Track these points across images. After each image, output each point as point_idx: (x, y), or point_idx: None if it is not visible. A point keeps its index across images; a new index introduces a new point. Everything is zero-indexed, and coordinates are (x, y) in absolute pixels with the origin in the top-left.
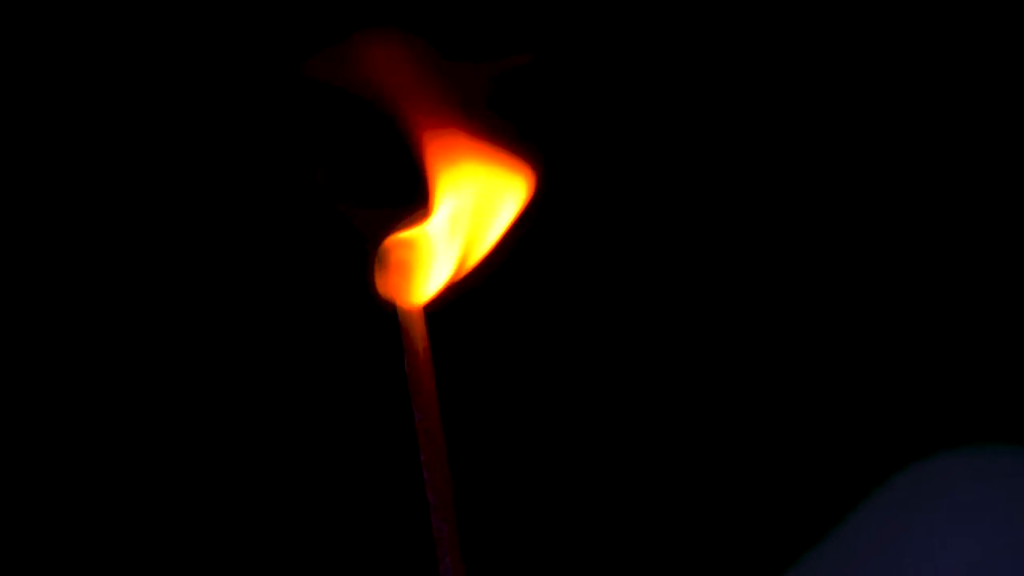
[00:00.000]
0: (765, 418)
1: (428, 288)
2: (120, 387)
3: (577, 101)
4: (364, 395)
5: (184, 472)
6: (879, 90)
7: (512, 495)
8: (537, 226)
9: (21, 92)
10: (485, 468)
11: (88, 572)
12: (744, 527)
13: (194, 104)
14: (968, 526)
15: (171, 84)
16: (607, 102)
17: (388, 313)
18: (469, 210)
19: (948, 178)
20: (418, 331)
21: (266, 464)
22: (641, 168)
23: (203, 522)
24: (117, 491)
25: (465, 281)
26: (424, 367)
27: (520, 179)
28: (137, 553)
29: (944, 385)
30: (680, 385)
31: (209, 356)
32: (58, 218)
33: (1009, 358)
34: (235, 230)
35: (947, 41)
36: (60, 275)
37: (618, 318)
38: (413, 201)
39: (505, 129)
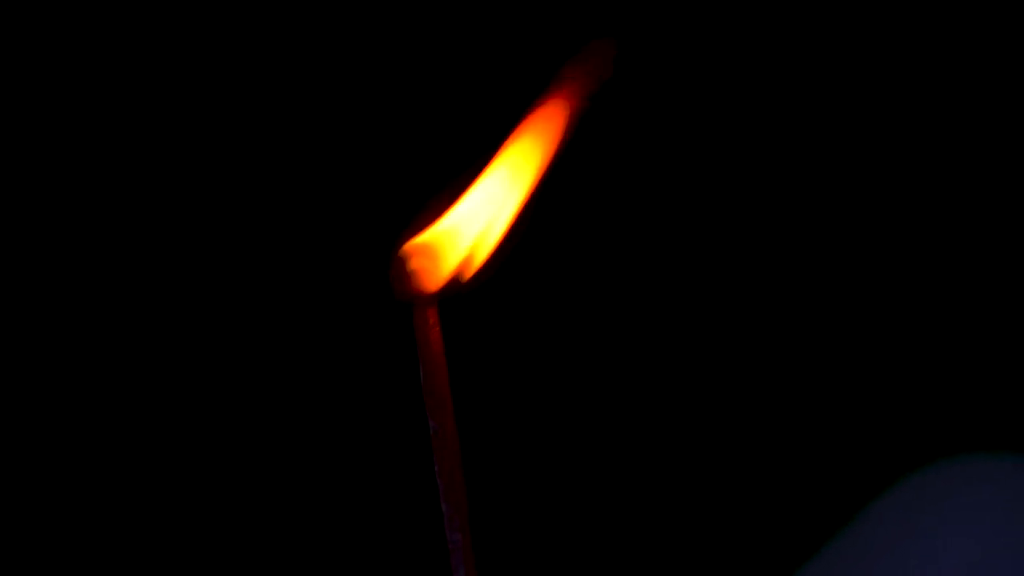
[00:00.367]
0: (771, 422)
1: (444, 288)
2: (126, 388)
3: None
4: (378, 402)
5: (193, 477)
6: (879, 90)
7: (528, 504)
8: (551, 227)
9: (21, 92)
10: (500, 476)
11: (90, 572)
12: (749, 531)
13: (197, 103)
14: (969, 527)
15: (171, 84)
16: (610, 100)
17: (402, 317)
18: (485, 204)
19: (948, 183)
20: (433, 335)
21: (277, 472)
22: (648, 167)
23: (212, 528)
24: (121, 491)
25: (478, 280)
26: (439, 372)
27: (534, 165)
28: (142, 553)
29: (948, 391)
30: (686, 391)
31: (219, 358)
32: (60, 218)
33: (1012, 365)
34: (247, 230)
35: (947, 41)
36: (61, 274)
37: (635, 324)
38: (427, 201)
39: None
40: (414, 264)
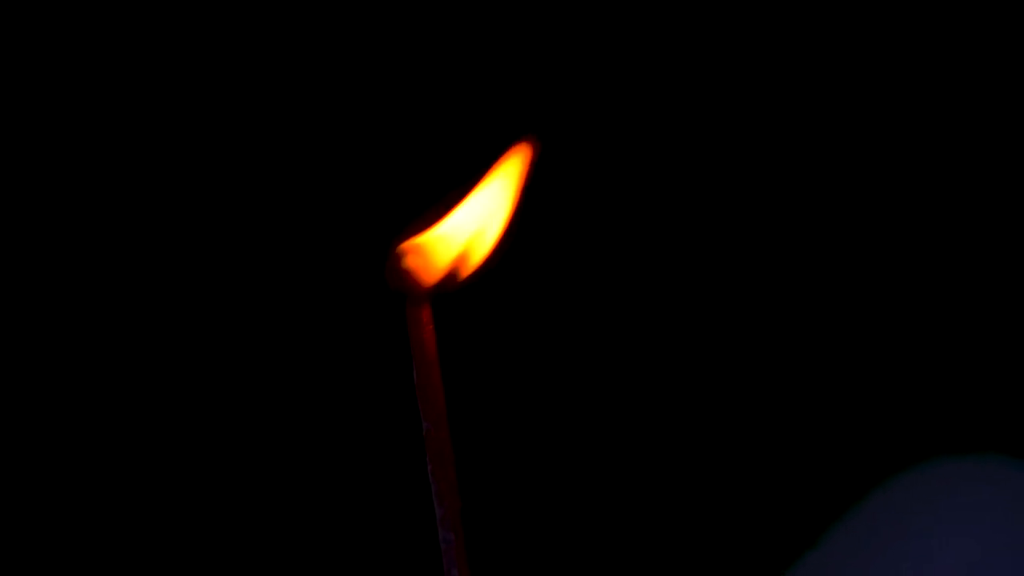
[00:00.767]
0: (764, 420)
1: (437, 286)
2: (122, 389)
3: (578, 97)
4: (371, 401)
5: (187, 477)
6: (879, 90)
7: (521, 503)
8: (544, 228)
9: (21, 92)
10: (494, 476)
11: (89, 572)
12: (742, 529)
13: (195, 104)
14: (968, 526)
15: (171, 84)
16: (608, 97)
17: (396, 316)
18: (481, 208)
19: (946, 182)
20: (427, 335)
21: (270, 472)
22: (644, 165)
23: (206, 526)
24: (119, 491)
25: (471, 281)
26: (432, 371)
27: (518, 170)
28: (139, 553)
29: (940, 390)
30: (680, 390)
31: (211, 357)
32: (56, 215)
33: (1006, 366)
34: (242, 231)
35: (947, 41)
36: (56, 270)
37: (627, 323)
38: (423, 206)
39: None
40: (409, 262)
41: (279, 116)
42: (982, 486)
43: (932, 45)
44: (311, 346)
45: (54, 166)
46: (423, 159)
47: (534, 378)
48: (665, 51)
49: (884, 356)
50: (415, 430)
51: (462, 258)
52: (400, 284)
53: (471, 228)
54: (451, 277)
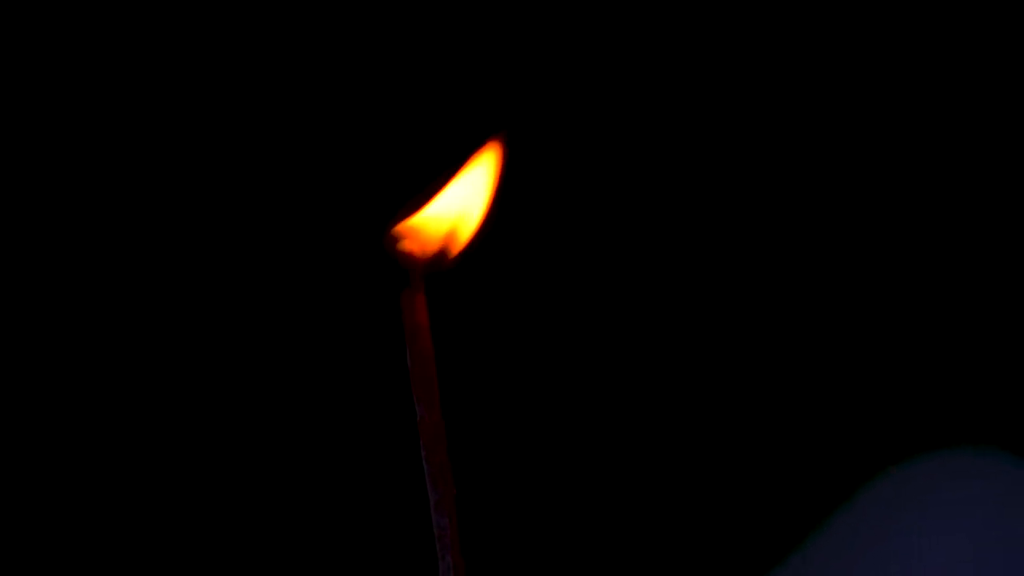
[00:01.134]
0: (752, 418)
1: (431, 262)
2: (117, 386)
3: (575, 94)
4: (365, 389)
5: (179, 468)
6: (878, 89)
7: (514, 490)
8: (539, 219)
9: (21, 92)
10: (487, 462)
11: (88, 572)
12: (731, 527)
13: (188, 99)
14: (959, 521)
15: (163, 80)
16: (605, 94)
17: (389, 302)
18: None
19: (941, 179)
20: (421, 321)
21: (263, 460)
22: (638, 159)
23: (198, 518)
24: (116, 491)
25: (463, 256)
26: (426, 358)
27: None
28: (133, 553)
29: (928, 385)
30: (673, 383)
31: (202, 347)
32: (50, 211)
33: (995, 360)
34: (232, 224)
35: (947, 41)
36: (49, 267)
37: (622, 315)
38: (410, 194)
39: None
40: (406, 245)
41: (266, 110)
42: (972, 481)
43: (932, 45)
44: (304, 333)
45: (46, 159)
46: (409, 147)
47: (528, 365)
48: (652, 38)
49: (871, 353)
50: (409, 416)
51: (451, 235)
52: (400, 264)
53: (456, 208)
54: (443, 254)
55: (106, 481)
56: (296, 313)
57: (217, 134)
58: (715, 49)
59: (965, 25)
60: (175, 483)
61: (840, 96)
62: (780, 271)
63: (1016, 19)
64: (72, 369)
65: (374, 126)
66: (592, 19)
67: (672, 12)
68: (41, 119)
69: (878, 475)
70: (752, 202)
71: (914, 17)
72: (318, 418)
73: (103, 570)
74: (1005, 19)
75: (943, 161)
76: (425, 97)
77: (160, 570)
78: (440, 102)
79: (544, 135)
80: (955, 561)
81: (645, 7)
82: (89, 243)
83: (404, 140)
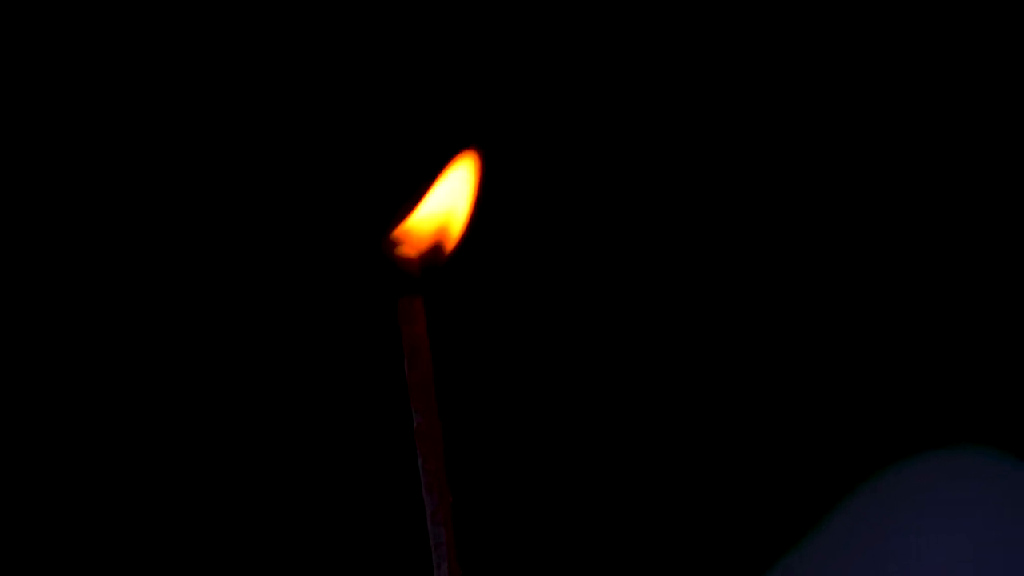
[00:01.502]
0: (751, 418)
1: (426, 263)
2: (115, 387)
3: (572, 93)
4: (361, 395)
5: (176, 472)
6: (878, 89)
7: (511, 498)
8: (535, 225)
9: (21, 92)
10: (484, 471)
11: (87, 572)
12: (728, 527)
13: (185, 100)
14: (958, 521)
15: (171, 84)
16: (603, 93)
17: (386, 310)
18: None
19: (941, 179)
20: (418, 328)
21: (260, 467)
22: (636, 160)
23: (197, 522)
24: (115, 491)
25: (455, 257)
26: (423, 365)
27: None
28: (133, 553)
29: (925, 385)
30: (669, 385)
31: (200, 351)
32: (47, 210)
33: (992, 360)
34: (229, 227)
35: (947, 41)
36: (46, 265)
37: (617, 316)
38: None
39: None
40: (401, 250)
41: (263, 113)
42: (970, 481)
43: (932, 45)
44: (302, 340)
45: (46, 159)
46: (399, 152)
47: (525, 373)
48: (643, 36)
49: (870, 353)
50: (406, 423)
51: (442, 231)
52: (399, 269)
53: (444, 205)
54: (437, 251)
55: (105, 482)
56: (293, 321)
57: (213, 142)
58: (711, 46)
59: (965, 25)
60: (174, 488)
61: (840, 96)
62: (780, 271)
63: (1016, 19)
64: (71, 371)
65: (370, 132)
66: (577, 19)
67: (665, 10)
68: (41, 119)
69: (875, 475)
70: (752, 202)
71: (914, 17)
72: (315, 426)
73: (103, 570)
74: (1005, 19)
75: (943, 161)
76: (410, 101)
77: (160, 570)
78: (423, 105)
79: (529, 136)
80: (954, 561)
81: (636, 6)
82: (89, 248)
83: (394, 146)
